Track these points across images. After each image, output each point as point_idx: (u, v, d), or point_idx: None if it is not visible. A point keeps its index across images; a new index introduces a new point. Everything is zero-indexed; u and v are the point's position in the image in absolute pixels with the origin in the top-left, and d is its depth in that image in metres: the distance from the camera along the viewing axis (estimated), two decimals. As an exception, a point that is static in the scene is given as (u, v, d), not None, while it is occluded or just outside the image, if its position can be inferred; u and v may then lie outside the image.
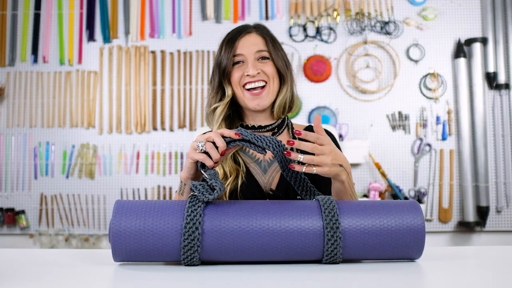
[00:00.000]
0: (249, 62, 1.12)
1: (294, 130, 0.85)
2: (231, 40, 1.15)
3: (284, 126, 1.20)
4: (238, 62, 1.14)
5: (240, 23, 2.75)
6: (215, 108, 1.15)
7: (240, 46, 1.14)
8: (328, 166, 0.84)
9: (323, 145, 0.84)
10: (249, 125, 1.18)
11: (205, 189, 0.73)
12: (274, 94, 1.15)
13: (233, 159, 1.14)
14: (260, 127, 1.17)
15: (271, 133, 1.18)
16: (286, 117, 1.22)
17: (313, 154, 0.85)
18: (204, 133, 0.84)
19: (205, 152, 0.81)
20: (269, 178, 1.12)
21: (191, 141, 2.86)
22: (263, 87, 1.13)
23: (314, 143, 0.84)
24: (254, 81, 1.11)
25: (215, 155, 0.80)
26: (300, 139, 1.20)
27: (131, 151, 2.73)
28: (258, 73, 1.11)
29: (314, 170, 0.82)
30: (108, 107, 2.75)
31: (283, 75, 1.16)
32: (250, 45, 1.13)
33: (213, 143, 0.81)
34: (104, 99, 2.76)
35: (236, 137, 0.80)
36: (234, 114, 1.19)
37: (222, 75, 1.14)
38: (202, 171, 0.80)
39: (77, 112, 2.75)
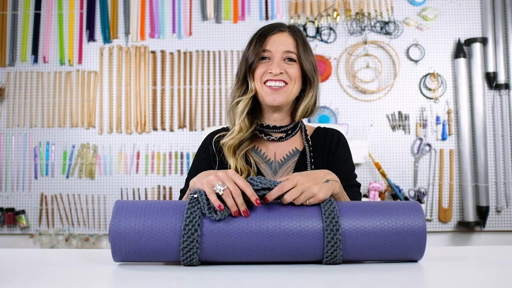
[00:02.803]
0: (275, 61, 1.11)
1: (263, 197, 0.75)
2: (262, 35, 1.14)
3: (298, 128, 1.20)
4: (264, 58, 1.13)
5: (240, 23, 2.75)
6: (238, 102, 1.15)
7: (270, 42, 1.13)
8: (318, 191, 0.77)
9: (295, 184, 0.77)
10: (264, 124, 1.17)
11: (209, 203, 0.72)
12: (292, 96, 1.14)
13: (245, 159, 1.14)
14: (275, 127, 1.17)
15: (284, 134, 1.18)
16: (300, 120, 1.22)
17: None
18: (226, 173, 0.76)
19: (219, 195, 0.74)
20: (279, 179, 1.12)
21: (191, 141, 2.85)
22: (283, 86, 1.12)
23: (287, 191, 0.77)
24: (275, 80, 1.10)
25: (230, 205, 0.73)
26: (315, 144, 1.20)
27: (131, 151, 2.73)
28: (281, 73, 1.10)
29: (308, 203, 0.77)
30: (108, 107, 2.75)
31: (310, 79, 1.15)
32: (279, 44, 1.12)
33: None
34: (104, 99, 2.76)
35: (255, 204, 0.74)
36: (257, 111, 1.19)
37: (248, 69, 1.14)
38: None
39: (77, 112, 2.75)
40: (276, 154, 1.17)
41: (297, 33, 1.16)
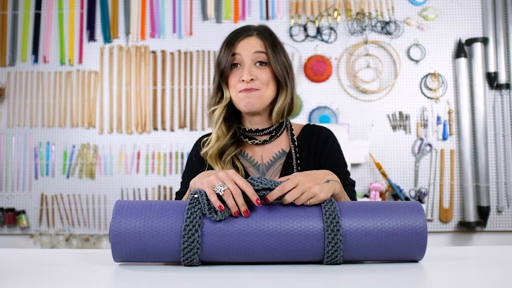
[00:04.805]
0: (245, 67, 1.10)
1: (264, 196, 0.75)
2: (230, 42, 1.14)
3: (282, 128, 1.19)
4: (236, 65, 1.13)
5: (240, 23, 2.75)
6: (214, 110, 1.15)
7: (239, 48, 1.12)
8: (319, 191, 0.76)
9: (296, 184, 0.77)
10: (247, 129, 1.17)
11: (209, 203, 0.72)
12: (267, 100, 1.13)
13: (232, 163, 1.13)
14: (257, 130, 1.16)
15: (268, 136, 1.17)
16: (285, 119, 1.21)
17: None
18: (226, 173, 0.76)
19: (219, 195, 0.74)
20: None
21: (191, 141, 2.86)
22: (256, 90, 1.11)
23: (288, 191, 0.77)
24: (248, 89, 1.10)
25: (231, 206, 0.73)
26: (299, 142, 1.20)
27: (131, 151, 2.73)
28: (252, 79, 1.09)
29: (308, 203, 0.76)
30: (109, 107, 2.75)
31: (281, 82, 1.14)
32: (248, 47, 1.12)
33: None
34: (105, 99, 2.76)
35: (256, 204, 0.74)
36: (234, 116, 1.19)
37: (220, 77, 1.14)
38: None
39: (77, 112, 2.75)
40: (263, 157, 1.16)
41: (265, 34, 1.15)
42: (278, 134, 1.18)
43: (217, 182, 0.75)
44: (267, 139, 1.17)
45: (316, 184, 0.78)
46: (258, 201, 0.73)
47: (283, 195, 0.76)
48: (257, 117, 1.17)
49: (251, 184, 0.75)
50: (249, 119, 1.18)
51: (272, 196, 0.75)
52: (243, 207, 0.73)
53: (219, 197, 0.73)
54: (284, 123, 1.20)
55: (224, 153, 1.13)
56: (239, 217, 0.72)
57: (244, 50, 1.12)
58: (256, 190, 0.75)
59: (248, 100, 1.10)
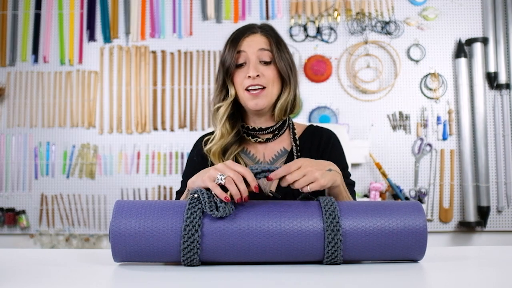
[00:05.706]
0: (251, 64, 1.11)
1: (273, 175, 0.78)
2: (235, 39, 1.14)
3: (285, 127, 1.20)
4: (241, 65, 1.13)
5: (240, 23, 2.75)
6: (219, 108, 1.16)
7: (244, 45, 1.13)
8: (321, 177, 0.80)
9: (299, 166, 0.80)
10: (250, 127, 1.17)
11: (210, 200, 0.72)
12: (273, 97, 1.14)
13: (234, 161, 1.14)
14: (260, 129, 1.17)
15: (271, 135, 1.18)
16: (288, 118, 1.22)
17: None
18: (224, 164, 0.79)
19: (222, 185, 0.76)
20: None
21: (191, 141, 2.84)
22: (262, 89, 1.12)
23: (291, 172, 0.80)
24: (254, 84, 1.11)
25: (234, 193, 0.75)
26: (301, 141, 1.21)
27: (131, 151, 2.73)
28: (258, 75, 1.10)
29: (308, 188, 0.79)
30: (109, 107, 2.75)
31: (285, 79, 1.15)
32: (253, 44, 1.13)
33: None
34: (105, 99, 2.76)
35: (254, 190, 0.76)
36: (238, 114, 1.19)
37: (225, 74, 1.14)
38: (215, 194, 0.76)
39: (77, 112, 2.75)
40: (265, 155, 1.17)
41: (269, 32, 1.16)
42: (280, 133, 1.19)
43: (216, 173, 0.77)
44: (270, 137, 1.17)
45: (318, 170, 0.80)
46: (256, 187, 0.76)
47: (284, 177, 0.79)
48: (262, 116, 1.18)
49: (251, 170, 0.77)
50: (253, 118, 1.18)
51: (277, 174, 0.78)
52: (245, 193, 0.75)
53: (223, 188, 0.74)
54: (287, 122, 1.21)
55: (227, 151, 1.14)
56: (239, 217, 0.72)
57: (249, 47, 1.12)
58: (256, 174, 0.77)
59: (256, 100, 1.11)
